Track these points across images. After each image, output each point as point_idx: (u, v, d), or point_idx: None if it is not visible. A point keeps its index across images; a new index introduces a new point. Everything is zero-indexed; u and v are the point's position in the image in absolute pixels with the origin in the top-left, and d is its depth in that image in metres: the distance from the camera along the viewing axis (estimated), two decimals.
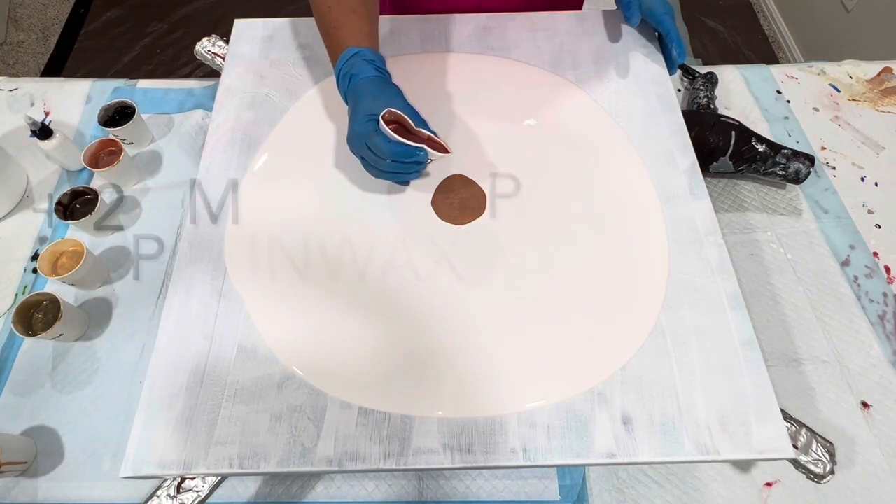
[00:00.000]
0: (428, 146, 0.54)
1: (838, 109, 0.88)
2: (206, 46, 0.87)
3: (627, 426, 0.48)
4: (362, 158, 0.56)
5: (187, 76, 1.85)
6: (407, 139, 0.53)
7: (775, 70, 0.92)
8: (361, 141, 0.54)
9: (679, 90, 0.90)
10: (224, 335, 0.52)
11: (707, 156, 0.77)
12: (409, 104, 0.56)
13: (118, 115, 0.79)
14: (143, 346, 0.66)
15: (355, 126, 0.54)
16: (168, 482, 0.58)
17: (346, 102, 0.58)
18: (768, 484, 0.61)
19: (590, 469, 0.61)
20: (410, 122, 0.54)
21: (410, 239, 0.58)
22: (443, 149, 0.56)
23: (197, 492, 0.57)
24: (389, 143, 0.53)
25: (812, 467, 0.59)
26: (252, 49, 0.72)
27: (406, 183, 0.61)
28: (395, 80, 0.59)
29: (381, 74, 0.57)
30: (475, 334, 0.52)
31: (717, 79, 0.88)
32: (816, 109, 0.88)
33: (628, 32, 0.74)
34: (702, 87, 0.85)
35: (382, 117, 0.52)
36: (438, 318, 0.53)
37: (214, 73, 0.87)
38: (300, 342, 0.52)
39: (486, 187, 0.61)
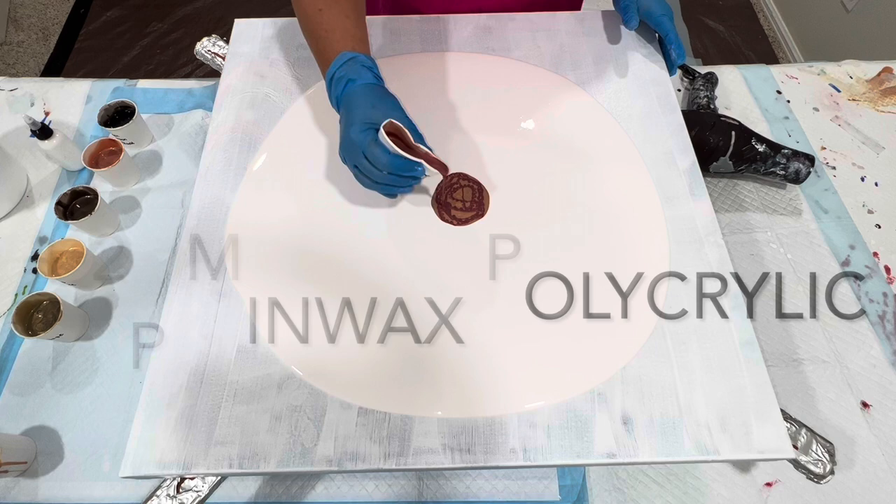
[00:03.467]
0: (425, 162, 0.53)
1: (838, 109, 0.88)
2: (206, 46, 0.87)
3: (627, 426, 0.48)
4: (355, 167, 0.54)
5: (187, 76, 1.85)
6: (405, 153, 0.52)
7: (775, 70, 0.92)
8: (357, 149, 0.52)
9: (679, 90, 0.90)
10: (224, 335, 0.52)
11: (707, 156, 0.77)
12: (408, 117, 0.54)
13: (118, 115, 0.79)
14: (143, 346, 0.66)
15: (352, 133, 0.52)
16: (168, 482, 0.58)
17: (338, 108, 0.57)
18: (768, 484, 0.61)
19: (590, 469, 0.61)
20: (410, 136, 0.52)
21: (411, 238, 0.58)
22: (440, 166, 0.55)
23: (197, 492, 0.57)
24: (389, 154, 0.51)
25: (812, 467, 0.59)
26: (252, 49, 0.72)
27: (394, 196, 0.59)
28: (396, 80, 0.58)
29: (379, 82, 0.56)
30: (475, 334, 0.52)
31: (717, 79, 0.88)
32: (816, 109, 0.88)
33: (628, 33, 0.74)
34: (702, 87, 0.85)
35: (384, 127, 0.51)
36: (438, 317, 0.53)
37: (214, 73, 0.87)
38: (300, 342, 0.52)
39: (486, 187, 0.61)
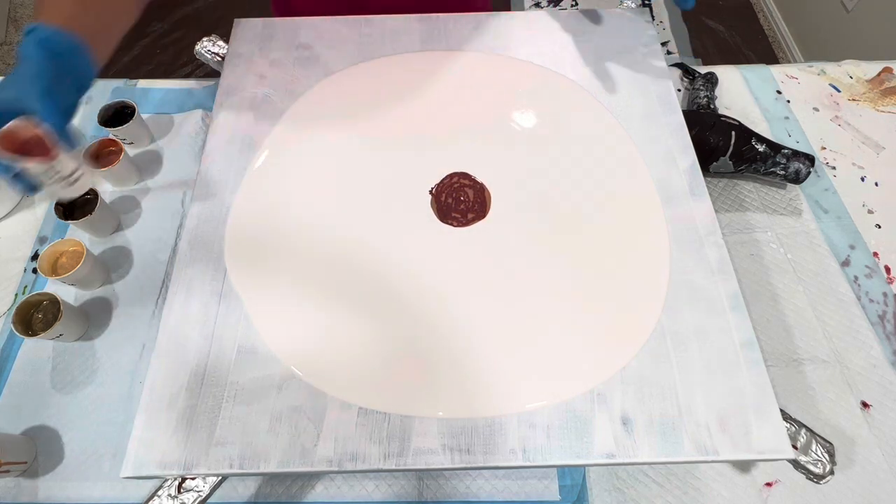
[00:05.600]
0: (26, 151, 0.44)
1: (838, 109, 0.88)
2: (206, 46, 0.86)
3: (627, 426, 0.48)
4: None
5: (187, 76, 1.85)
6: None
7: (775, 70, 0.92)
8: None
9: (679, 90, 0.90)
10: (224, 335, 0.52)
11: (707, 156, 0.77)
12: (32, 89, 0.43)
13: (118, 114, 0.79)
14: (143, 346, 0.66)
15: None
16: (169, 482, 0.58)
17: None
18: (768, 484, 0.61)
19: (590, 469, 0.61)
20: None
21: (411, 239, 0.58)
22: (45, 152, 0.44)
23: (198, 492, 0.57)
24: None
25: (812, 467, 0.59)
26: (252, 49, 0.72)
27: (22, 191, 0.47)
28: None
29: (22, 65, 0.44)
30: (475, 335, 0.52)
31: (717, 79, 0.88)
32: (816, 109, 0.88)
33: (628, 32, 0.74)
34: (702, 87, 0.85)
35: None
36: (439, 318, 0.53)
37: (214, 73, 0.86)
38: (300, 342, 0.52)
39: (486, 187, 0.61)
